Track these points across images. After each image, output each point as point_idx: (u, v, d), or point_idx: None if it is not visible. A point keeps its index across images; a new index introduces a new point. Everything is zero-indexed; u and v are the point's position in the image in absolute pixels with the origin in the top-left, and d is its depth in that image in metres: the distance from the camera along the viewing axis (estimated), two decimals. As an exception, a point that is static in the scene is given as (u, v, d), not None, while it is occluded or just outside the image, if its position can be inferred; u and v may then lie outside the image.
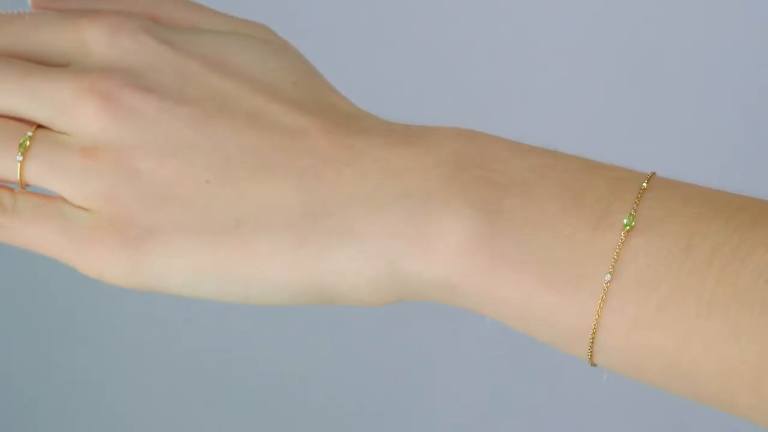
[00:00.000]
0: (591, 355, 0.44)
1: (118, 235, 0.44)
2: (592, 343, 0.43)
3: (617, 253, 0.43)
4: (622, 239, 0.43)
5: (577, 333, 0.43)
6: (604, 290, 0.43)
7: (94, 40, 0.45)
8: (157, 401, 1.32)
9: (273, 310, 1.28)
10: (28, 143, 0.45)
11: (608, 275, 0.43)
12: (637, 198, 0.44)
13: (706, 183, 0.46)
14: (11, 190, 0.46)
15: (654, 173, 0.45)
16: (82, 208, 0.45)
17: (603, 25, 1.15)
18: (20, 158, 0.45)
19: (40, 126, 0.46)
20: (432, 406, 1.27)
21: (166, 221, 0.45)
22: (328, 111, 0.46)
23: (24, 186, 0.46)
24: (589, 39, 1.15)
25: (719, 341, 0.42)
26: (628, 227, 0.43)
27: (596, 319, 0.43)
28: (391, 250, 0.44)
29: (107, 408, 1.33)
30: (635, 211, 0.43)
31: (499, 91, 1.18)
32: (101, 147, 0.44)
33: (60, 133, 0.45)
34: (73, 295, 1.31)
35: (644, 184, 0.44)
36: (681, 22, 1.14)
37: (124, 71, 0.45)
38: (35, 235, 0.47)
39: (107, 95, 0.44)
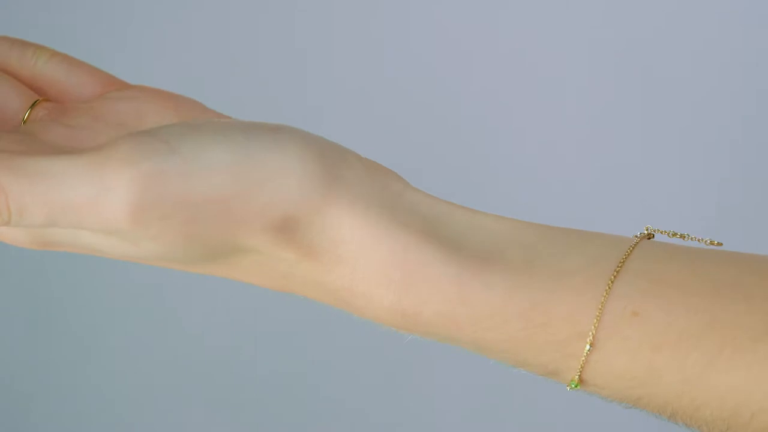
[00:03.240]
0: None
1: None
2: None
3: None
4: (570, 390, 0.46)
5: None
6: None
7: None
8: (157, 401, 1.32)
9: (273, 309, 1.28)
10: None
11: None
12: (581, 367, 0.45)
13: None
14: None
15: (598, 320, 0.45)
16: None
17: (603, 25, 1.15)
18: None
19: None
20: (432, 405, 1.27)
21: None
22: (251, 270, 0.47)
23: None
24: (589, 39, 1.15)
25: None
26: (574, 386, 0.45)
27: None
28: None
29: (107, 408, 1.33)
30: (580, 376, 0.45)
31: (499, 92, 1.18)
32: None
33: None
34: (73, 295, 1.31)
35: (587, 347, 0.45)
36: (681, 22, 1.14)
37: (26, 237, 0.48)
38: None
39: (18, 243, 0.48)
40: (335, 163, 0.45)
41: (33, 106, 0.50)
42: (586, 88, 1.16)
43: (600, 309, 0.44)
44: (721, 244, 0.47)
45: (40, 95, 0.51)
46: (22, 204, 0.43)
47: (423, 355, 1.25)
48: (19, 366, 1.33)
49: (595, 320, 0.44)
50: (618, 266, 0.45)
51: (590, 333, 0.44)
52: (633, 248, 0.45)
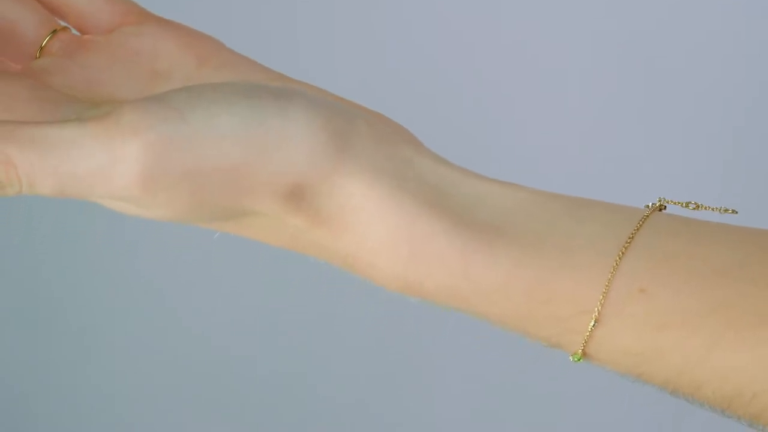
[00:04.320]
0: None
1: None
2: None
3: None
4: (573, 362, 0.45)
5: None
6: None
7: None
8: (157, 401, 1.32)
9: (273, 309, 1.27)
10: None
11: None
12: (584, 343, 0.45)
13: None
14: None
15: (604, 297, 0.45)
16: None
17: (605, 17, 1.15)
18: None
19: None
20: (432, 405, 1.27)
21: None
22: (258, 232, 0.47)
23: None
24: (592, 32, 1.15)
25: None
26: (576, 360, 0.45)
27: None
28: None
29: (107, 408, 1.33)
30: (583, 351, 0.45)
31: (501, 83, 1.18)
32: None
33: None
34: (73, 295, 1.31)
35: (591, 324, 0.44)
36: (683, 14, 1.14)
37: None
38: None
39: None
40: (344, 131, 0.45)
41: (51, 35, 0.50)
42: (588, 80, 1.16)
43: (607, 286, 0.44)
44: (736, 212, 0.47)
45: (58, 17, 0.51)
46: (31, 175, 0.43)
47: (424, 356, 1.25)
48: (19, 366, 1.33)
49: (601, 297, 0.44)
50: (627, 242, 0.45)
51: (596, 309, 0.44)
52: (643, 222, 0.45)
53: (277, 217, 0.45)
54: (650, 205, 0.47)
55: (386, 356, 1.26)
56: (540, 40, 1.16)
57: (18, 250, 1.30)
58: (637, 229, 0.45)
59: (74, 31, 0.51)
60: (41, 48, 0.50)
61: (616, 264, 0.44)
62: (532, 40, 1.16)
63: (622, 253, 0.45)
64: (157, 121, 0.43)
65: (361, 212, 0.45)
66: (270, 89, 0.45)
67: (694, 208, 0.47)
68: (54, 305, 1.32)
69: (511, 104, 1.18)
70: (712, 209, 0.47)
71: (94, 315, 1.31)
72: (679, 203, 0.47)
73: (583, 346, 0.44)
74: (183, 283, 1.28)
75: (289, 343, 1.28)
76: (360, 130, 0.46)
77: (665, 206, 0.47)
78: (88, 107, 0.46)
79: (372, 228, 0.45)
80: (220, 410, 1.31)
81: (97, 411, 1.33)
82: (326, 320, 1.25)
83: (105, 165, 0.43)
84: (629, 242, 0.45)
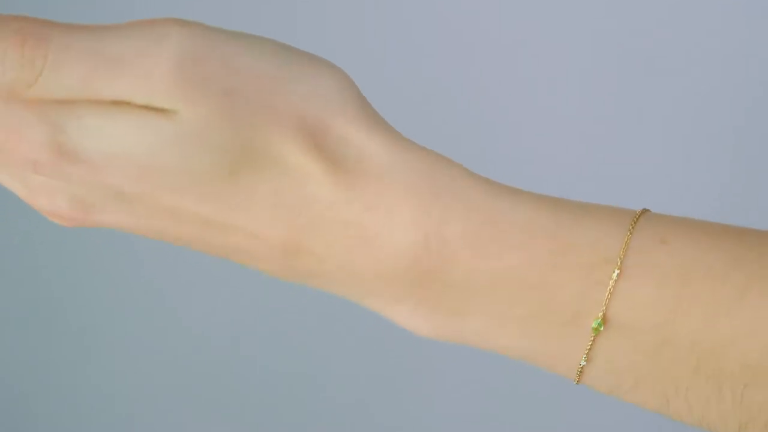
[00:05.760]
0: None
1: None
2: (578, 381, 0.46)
3: (589, 347, 0.44)
4: (592, 339, 0.44)
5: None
6: (579, 371, 0.45)
7: (18, 172, 0.45)
8: (157, 401, 1.32)
9: (273, 310, 1.28)
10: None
11: (583, 361, 0.44)
12: (607, 298, 0.44)
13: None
14: None
15: (626, 246, 0.44)
16: None
17: (602, 25, 1.15)
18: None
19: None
20: (432, 406, 1.27)
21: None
22: (277, 205, 0.44)
23: None
24: (588, 39, 1.15)
25: (702, 404, 0.44)
26: (597, 328, 0.44)
27: (576, 381, 0.45)
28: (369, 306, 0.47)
29: (107, 408, 1.33)
30: (605, 313, 0.44)
31: (499, 85, 1.18)
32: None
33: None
34: (73, 295, 1.31)
35: (615, 272, 0.44)
36: (681, 23, 1.14)
37: (65, 196, 0.45)
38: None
39: (64, 219, 0.45)
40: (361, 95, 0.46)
41: None
42: (588, 80, 1.16)
43: (629, 233, 0.44)
44: None
45: None
46: (63, 56, 0.42)
47: (424, 357, 1.25)
48: (19, 366, 1.33)
49: (624, 245, 0.43)
50: (640, 211, 0.45)
51: (618, 258, 0.43)
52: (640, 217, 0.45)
53: (294, 168, 0.44)
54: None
55: (386, 356, 1.26)
56: (540, 40, 1.16)
57: (18, 250, 1.30)
58: (645, 211, 0.45)
59: None
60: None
61: (637, 217, 0.44)
62: (532, 40, 1.16)
63: (640, 212, 0.44)
64: (201, 27, 0.43)
65: (382, 158, 0.44)
66: (303, 52, 0.46)
67: None
68: (54, 305, 1.32)
69: (512, 104, 1.18)
70: None
71: (94, 315, 1.31)
72: None
73: (607, 301, 0.43)
74: (183, 283, 1.28)
75: (289, 343, 1.28)
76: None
77: None
78: None
79: (394, 175, 0.44)
80: (220, 410, 1.31)
81: (97, 411, 1.33)
82: (326, 320, 1.26)
83: (146, 46, 0.42)
84: (644, 211, 0.45)
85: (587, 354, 0.44)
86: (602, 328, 0.43)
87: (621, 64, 1.15)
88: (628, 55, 1.15)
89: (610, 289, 0.43)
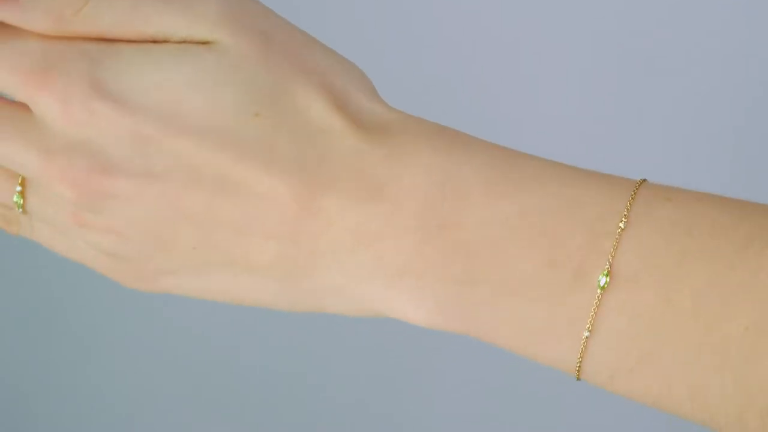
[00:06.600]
0: (578, 376, 0.45)
1: (132, 273, 0.48)
2: (578, 373, 0.45)
3: (594, 311, 0.44)
4: (598, 297, 0.44)
5: (562, 368, 0.45)
6: (583, 345, 0.44)
7: (46, 113, 0.45)
8: (157, 401, 1.32)
9: (273, 310, 1.27)
10: (21, 201, 0.47)
11: (587, 332, 0.44)
12: (614, 248, 0.44)
13: (706, 185, 0.47)
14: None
15: (633, 199, 0.45)
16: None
17: (602, 25, 1.15)
18: (20, 210, 0.48)
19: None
20: (433, 406, 1.27)
21: (169, 267, 0.47)
22: (295, 154, 0.45)
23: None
24: (588, 39, 1.15)
25: (703, 386, 0.43)
26: (603, 285, 0.44)
27: (578, 367, 0.44)
28: (372, 308, 0.47)
29: (107, 408, 1.33)
30: (611, 264, 0.44)
31: (498, 91, 1.18)
32: (88, 217, 0.46)
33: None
34: (73, 295, 1.31)
35: (621, 225, 0.44)
36: (681, 23, 1.14)
37: (86, 152, 0.45)
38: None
39: (77, 185, 0.45)
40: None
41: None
42: (588, 80, 1.16)
43: (635, 191, 0.44)
44: None
45: None
46: None
47: (424, 356, 1.25)
48: (19, 366, 1.33)
49: (630, 198, 0.44)
50: (641, 180, 0.45)
51: (625, 209, 0.44)
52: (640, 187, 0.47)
53: (318, 116, 0.45)
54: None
55: (386, 356, 1.26)
56: (540, 40, 1.16)
57: (18, 250, 1.30)
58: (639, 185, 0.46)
59: None
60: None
61: (640, 182, 0.45)
62: (532, 40, 1.16)
63: (641, 181, 0.45)
64: None
65: (402, 123, 0.46)
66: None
67: None
68: (54, 305, 1.32)
69: (511, 104, 1.18)
70: None
71: (94, 315, 1.31)
72: None
73: (614, 251, 0.43)
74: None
75: (289, 343, 1.28)
76: None
77: None
78: None
79: (413, 131, 0.46)
80: (220, 410, 1.31)
81: (97, 411, 1.33)
82: (326, 320, 1.26)
83: None
84: (642, 180, 0.45)
85: (592, 320, 0.43)
86: (607, 284, 0.43)
87: (621, 64, 1.15)
88: (628, 55, 1.15)
89: (617, 239, 0.44)
